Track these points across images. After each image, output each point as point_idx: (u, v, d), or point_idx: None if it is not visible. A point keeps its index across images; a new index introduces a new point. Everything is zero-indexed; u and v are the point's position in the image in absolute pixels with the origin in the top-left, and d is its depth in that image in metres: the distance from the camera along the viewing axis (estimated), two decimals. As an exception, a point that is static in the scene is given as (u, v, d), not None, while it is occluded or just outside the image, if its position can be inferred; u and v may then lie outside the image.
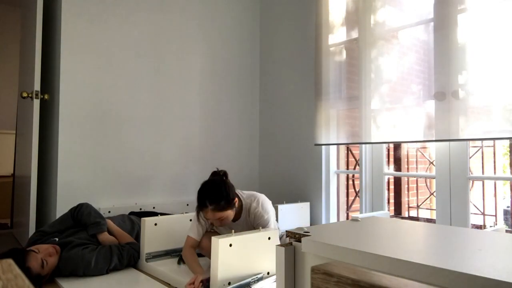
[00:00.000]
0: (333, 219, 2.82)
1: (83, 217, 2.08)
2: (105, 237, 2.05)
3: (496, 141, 3.73)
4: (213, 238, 1.57)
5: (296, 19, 3.12)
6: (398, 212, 4.14)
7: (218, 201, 1.72)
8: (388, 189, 3.95)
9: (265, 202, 1.92)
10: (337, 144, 2.75)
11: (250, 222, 1.91)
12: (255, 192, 2.00)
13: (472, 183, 3.58)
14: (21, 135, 2.90)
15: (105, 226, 2.09)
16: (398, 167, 4.26)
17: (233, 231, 1.67)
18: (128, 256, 1.97)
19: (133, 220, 2.27)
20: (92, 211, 2.13)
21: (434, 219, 2.35)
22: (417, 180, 4.31)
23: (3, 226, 3.34)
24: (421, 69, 2.23)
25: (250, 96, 3.38)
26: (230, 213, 1.78)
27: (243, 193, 1.96)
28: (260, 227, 1.80)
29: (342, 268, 0.51)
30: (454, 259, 0.82)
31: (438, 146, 2.24)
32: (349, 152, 3.71)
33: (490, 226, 1.54)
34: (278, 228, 2.01)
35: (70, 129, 2.44)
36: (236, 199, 1.83)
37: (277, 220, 2.36)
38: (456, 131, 2.00)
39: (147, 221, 2.01)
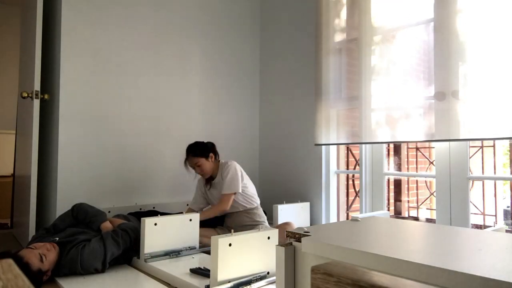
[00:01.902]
0: (333, 219, 2.82)
1: (87, 215, 2.15)
2: (106, 225, 2.11)
3: (496, 141, 3.73)
4: (213, 238, 1.57)
5: (296, 19, 3.12)
6: (398, 212, 4.14)
7: (194, 149, 2.46)
8: (388, 189, 3.95)
9: (233, 165, 2.47)
10: (337, 144, 2.75)
11: (222, 178, 2.45)
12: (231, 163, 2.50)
13: (472, 183, 3.58)
14: (21, 135, 2.90)
15: (105, 216, 2.18)
16: (398, 167, 4.26)
17: (233, 230, 1.69)
18: (124, 237, 2.00)
19: (130, 220, 2.28)
20: (88, 208, 2.20)
21: (434, 219, 2.35)
22: (417, 180, 4.31)
23: (3, 226, 3.34)
24: (421, 69, 2.23)
25: (250, 96, 3.38)
26: (204, 162, 2.44)
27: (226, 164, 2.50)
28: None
29: (342, 268, 0.51)
30: (454, 259, 0.82)
31: (438, 146, 2.24)
32: (349, 152, 3.71)
33: (490, 226, 1.54)
34: (241, 192, 2.43)
35: (70, 129, 2.44)
36: (212, 154, 2.47)
37: (272, 219, 2.42)
38: (456, 131, 2.00)
39: (147, 221, 2.01)
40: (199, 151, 2.45)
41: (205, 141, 2.57)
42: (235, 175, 2.42)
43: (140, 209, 2.63)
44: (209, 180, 2.54)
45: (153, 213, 2.51)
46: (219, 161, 2.55)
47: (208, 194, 2.56)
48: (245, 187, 2.47)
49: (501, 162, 4.18)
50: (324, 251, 0.97)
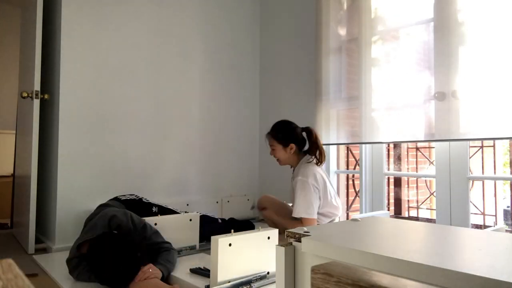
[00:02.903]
0: (333, 219, 2.82)
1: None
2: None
3: (496, 141, 3.73)
4: (213, 238, 1.57)
5: (296, 19, 3.12)
6: (398, 212, 4.14)
7: (276, 130, 2.16)
8: (388, 189, 3.95)
9: (307, 170, 2.08)
10: (337, 144, 2.75)
11: (293, 183, 2.11)
12: (311, 166, 2.13)
13: (472, 183, 3.58)
14: (21, 135, 2.90)
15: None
16: (398, 166, 4.26)
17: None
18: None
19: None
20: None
21: (434, 219, 2.35)
22: (417, 180, 4.31)
23: (3, 226, 3.34)
24: (421, 69, 2.23)
25: (250, 96, 3.38)
26: (279, 148, 2.14)
27: (306, 163, 2.14)
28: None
29: (342, 268, 0.51)
30: (454, 259, 0.82)
31: (438, 146, 2.24)
32: (349, 152, 3.71)
33: (490, 226, 1.54)
34: (318, 199, 2.03)
35: (70, 129, 2.44)
36: (292, 145, 2.13)
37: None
38: (456, 131, 2.00)
39: (147, 221, 2.01)
40: (280, 135, 2.13)
41: (285, 121, 2.21)
42: (307, 194, 1.97)
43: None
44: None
45: (148, 205, 2.44)
46: (304, 153, 2.17)
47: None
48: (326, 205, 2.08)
49: (501, 162, 4.18)
50: (324, 251, 0.97)
